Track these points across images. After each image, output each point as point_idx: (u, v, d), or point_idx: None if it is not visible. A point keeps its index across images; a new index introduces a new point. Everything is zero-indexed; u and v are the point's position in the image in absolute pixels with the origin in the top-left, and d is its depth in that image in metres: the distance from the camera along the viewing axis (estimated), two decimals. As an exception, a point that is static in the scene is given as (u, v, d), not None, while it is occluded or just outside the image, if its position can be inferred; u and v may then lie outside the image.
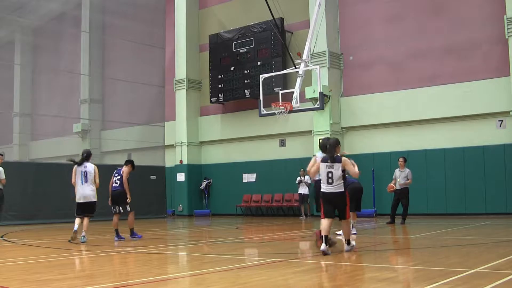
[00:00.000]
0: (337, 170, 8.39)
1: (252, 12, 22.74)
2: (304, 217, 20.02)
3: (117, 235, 11.73)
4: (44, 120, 26.71)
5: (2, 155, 14.67)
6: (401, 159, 15.22)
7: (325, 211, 8.62)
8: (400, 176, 15.03)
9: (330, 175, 8.43)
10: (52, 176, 19.71)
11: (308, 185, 20.18)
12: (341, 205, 8.54)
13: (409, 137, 19.23)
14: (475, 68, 18.13)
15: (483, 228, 13.62)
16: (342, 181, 8.46)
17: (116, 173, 11.93)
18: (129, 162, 12.01)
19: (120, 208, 11.71)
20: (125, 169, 11.86)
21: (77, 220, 11.29)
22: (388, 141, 19.11)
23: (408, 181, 15.00)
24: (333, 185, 8.43)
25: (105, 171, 21.21)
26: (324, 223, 8.45)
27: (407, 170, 15.14)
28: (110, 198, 11.86)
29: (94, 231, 14.95)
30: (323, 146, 8.89)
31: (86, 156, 11.44)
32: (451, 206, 18.30)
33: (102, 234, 14.03)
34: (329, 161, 8.46)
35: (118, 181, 11.73)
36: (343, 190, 8.48)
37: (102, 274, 7.08)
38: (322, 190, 8.64)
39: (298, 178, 20.24)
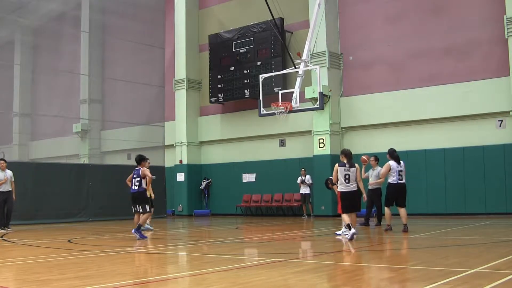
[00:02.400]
0: (352, 173, 10.76)
1: (252, 12, 22.74)
2: (306, 216, 20.03)
3: (139, 233, 11.99)
4: (44, 120, 26.65)
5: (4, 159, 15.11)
6: (372, 158, 14.63)
7: (344, 206, 10.81)
8: (372, 175, 14.40)
9: (347, 176, 10.72)
10: (52, 176, 19.72)
11: (310, 185, 20.19)
12: (356, 200, 10.94)
13: (409, 137, 19.23)
14: (475, 68, 18.13)
15: (483, 228, 13.61)
16: (355, 182, 10.80)
17: (134, 173, 12.20)
18: (142, 159, 12.30)
19: (140, 207, 12.12)
20: (143, 168, 12.12)
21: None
22: (387, 141, 19.06)
23: (380, 180, 13.93)
24: (349, 184, 10.74)
25: (105, 171, 21.54)
26: (345, 216, 10.80)
27: (379, 168, 14.19)
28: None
29: (94, 231, 14.98)
30: (348, 154, 10.93)
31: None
32: (451, 206, 18.30)
33: (101, 234, 14.05)
34: (346, 166, 10.74)
35: (138, 183, 12.08)
36: (357, 188, 10.87)
37: (102, 274, 7.08)
38: (340, 189, 10.88)
39: (300, 178, 20.23)
